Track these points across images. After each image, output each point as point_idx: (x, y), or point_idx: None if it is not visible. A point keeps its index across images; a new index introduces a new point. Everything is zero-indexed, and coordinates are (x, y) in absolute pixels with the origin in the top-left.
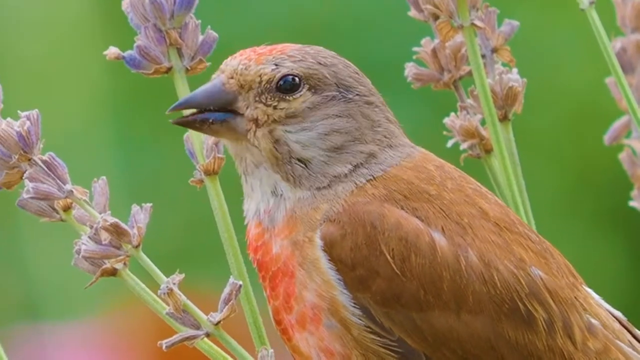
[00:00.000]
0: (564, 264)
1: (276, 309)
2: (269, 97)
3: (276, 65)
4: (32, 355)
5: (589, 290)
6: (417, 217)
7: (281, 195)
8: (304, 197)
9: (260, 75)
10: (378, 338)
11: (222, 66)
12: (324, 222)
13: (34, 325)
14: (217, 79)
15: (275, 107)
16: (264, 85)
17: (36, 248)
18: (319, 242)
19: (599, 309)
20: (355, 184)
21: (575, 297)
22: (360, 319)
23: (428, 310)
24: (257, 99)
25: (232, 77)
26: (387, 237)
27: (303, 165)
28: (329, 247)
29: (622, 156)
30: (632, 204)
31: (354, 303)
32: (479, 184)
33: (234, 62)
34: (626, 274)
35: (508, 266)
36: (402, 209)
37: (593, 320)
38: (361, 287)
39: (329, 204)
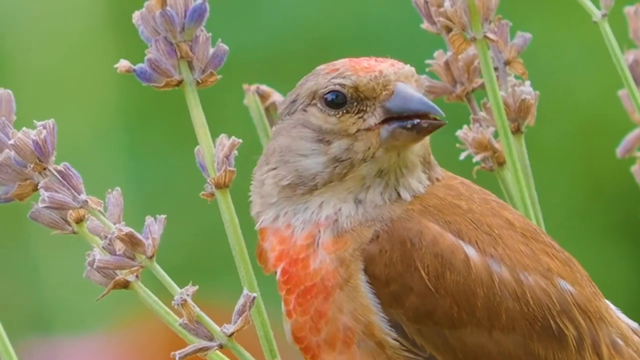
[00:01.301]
0: (585, 274)
1: (299, 327)
2: None
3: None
4: None
5: (607, 301)
6: (451, 231)
7: (360, 206)
8: (365, 213)
9: (416, 74)
10: (412, 356)
11: (393, 75)
12: (370, 241)
13: (45, 338)
14: (413, 88)
15: None
16: None
17: (48, 261)
18: (361, 264)
19: (620, 321)
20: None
21: (599, 308)
22: (395, 340)
23: (460, 327)
24: None
25: (415, 82)
26: (423, 253)
27: (402, 177)
28: (367, 266)
29: (635, 169)
30: None
31: (387, 320)
32: (495, 196)
33: (406, 69)
34: (636, 283)
35: (539, 282)
36: (437, 223)
37: (618, 340)
38: (394, 303)
39: (380, 223)
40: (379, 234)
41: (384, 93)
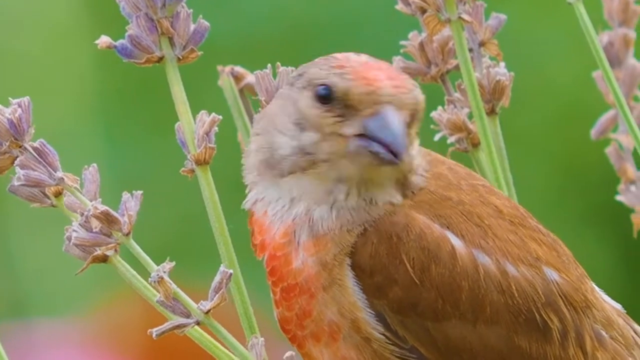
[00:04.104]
0: (570, 255)
1: (285, 320)
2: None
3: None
4: (20, 353)
5: (592, 283)
6: (440, 224)
7: (334, 209)
8: (341, 217)
9: (419, 104)
10: (396, 349)
11: (387, 97)
12: (355, 242)
13: (21, 322)
14: (398, 117)
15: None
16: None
17: (23, 244)
18: (347, 264)
19: (605, 304)
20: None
21: (585, 293)
22: (382, 334)
23: (444, 319)
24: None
25: (408, 112)
26: (409, 247)
27: (365, 190)
28: (353, 260)
29: (609, 150)
30: (619, 198)
31: (374, 314)
32: (483, 178)
33: (407, 96)
34: (615, 268)
35: (525, 273)
36: (427, 215)
37: (602, 332)
38: (378, 293)
39: (363, 226)
40: (365, 230)
41: (368, 110)
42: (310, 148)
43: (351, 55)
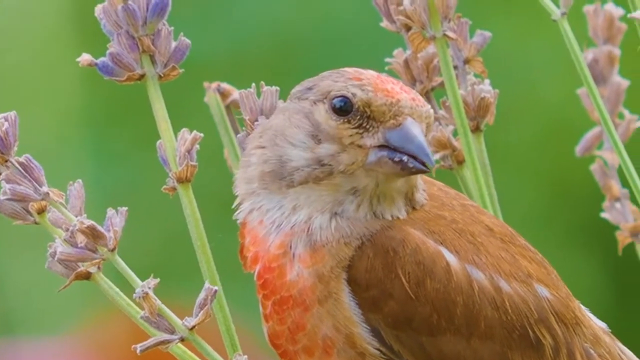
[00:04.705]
0: (557, 275)
1: (276, 334)
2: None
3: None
4: None
5: (578, 302)
6: (434, 240)
7: (334, 219)
8: (341, 228)
9: (432, 117)
10: None
11: (408, 109)
12: (353, 256)
13: (7, 340)
14: (420, 128)
15: None
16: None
17: (10, 262)
18: (343, 278)
19: (591, 322)
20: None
21: (574, 310)
22: (377, 349)
23: (438, 334)
24: None
25: (425, 125)
26: (405, 261)
27: (377, 204)
28: (349, 274)
29: (594, 167)
30: (603, 215)
31: (369, 329)
32: (470, 199)
33: (424, 109)
34: (601, 286)
35: (518, 290)
36: (422, 232)
37: (591, 351)
38: (373, 307)
39: (360, 239)
40: (362, 243)
41: (391, 121)
42: (328, 159)
43: (362, 70)
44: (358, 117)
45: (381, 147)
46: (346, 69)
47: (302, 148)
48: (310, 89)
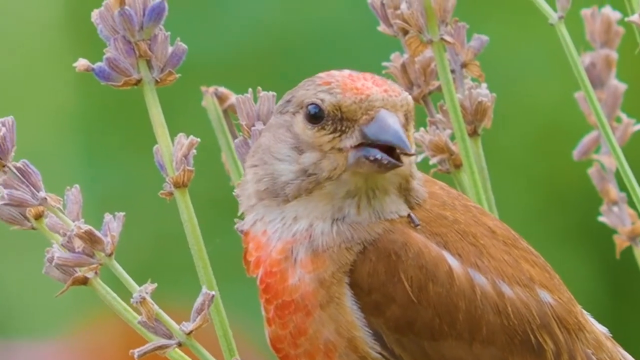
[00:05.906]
0: (559, 278)
1: (278, 338)
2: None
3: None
4: None
5: (580, 307)
6: (437, 242)
7: (335, 225)
8: (342, 233)
9: (410, 104)
10: None
11: (379, 101)
12: (355, 261)
13: (2, 343)
14: (394, 117)
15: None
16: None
17: (5, 265)
18: (346, 282)
19: (593, 327)
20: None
21: (577, 315)
22: (379, 354)
23: (440, 339)
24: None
25: (402, 114)
26: (408, 265)
27: (374, 198)
28: (352, 278)
29: (592, 171)
30: (601, 219)
31: (371, 333)
32: (472, 200)
33: (398, 98)
34: (597, 289)
35: (520, 294)
36: (424, 234)
37: (593, 357)
38: (375, 311)
39: (362, 244)
40: (364, 248)
41: (364, 117)
42: (312, 169)
43: (334, 72)
44: (330, 121)
45: (360, 145)
46: (320, 74)
47: (289, 161)
48: (289, 101)
